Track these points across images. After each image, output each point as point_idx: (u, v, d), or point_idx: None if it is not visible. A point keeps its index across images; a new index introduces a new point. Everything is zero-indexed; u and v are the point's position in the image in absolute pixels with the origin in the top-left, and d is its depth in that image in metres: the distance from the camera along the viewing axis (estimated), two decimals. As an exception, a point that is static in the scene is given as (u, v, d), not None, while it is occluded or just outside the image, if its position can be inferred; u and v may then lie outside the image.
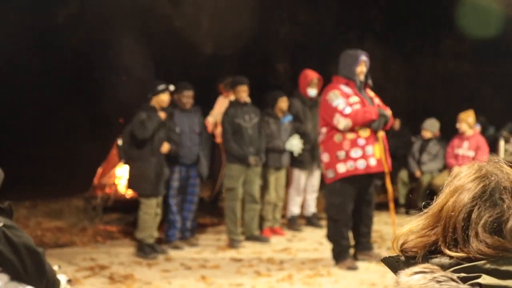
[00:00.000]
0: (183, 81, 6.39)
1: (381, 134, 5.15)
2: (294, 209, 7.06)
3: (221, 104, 7.04)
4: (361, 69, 5.25)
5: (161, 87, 5.79)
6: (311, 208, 7.25)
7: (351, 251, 5.40)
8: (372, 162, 5.09)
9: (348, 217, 5.26)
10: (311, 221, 7.21)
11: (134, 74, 7.05)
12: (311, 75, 6.87)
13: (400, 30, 14.08)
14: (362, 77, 5.27)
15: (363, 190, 5.31)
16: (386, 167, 5.15)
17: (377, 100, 5.33)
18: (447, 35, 13.00)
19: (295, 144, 6.64)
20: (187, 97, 6.13)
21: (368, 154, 5.08)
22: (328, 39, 14.12)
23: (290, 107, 6.81)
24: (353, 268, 5.21)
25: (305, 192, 7.18)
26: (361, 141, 5.11)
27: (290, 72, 14.41)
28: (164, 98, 5.79)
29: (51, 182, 9.26)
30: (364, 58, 5.27)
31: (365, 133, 5.12)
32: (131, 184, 5.94)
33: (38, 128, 10.46)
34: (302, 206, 7.31)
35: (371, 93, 5.37)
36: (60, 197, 8.68)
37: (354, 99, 5.18)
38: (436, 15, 12.64)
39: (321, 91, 6.95)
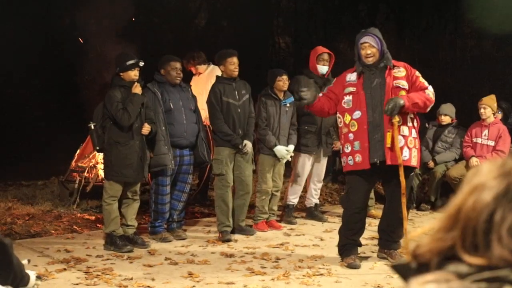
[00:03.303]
0: (190, 52, 6.35)
1: (396, 120, 5.08)
2: (292, 199, 7.06)
3: (197, 83, 7.02)
4: (365, 52, 5.19)
5: (130, 62, 5.62)
6: (314, 198, 7.24)
7: (358, 248, 5.45)
8: (357, 158, 5.19)
9: (354, 209, 5.33)
10: (313, 213, 7.21)
11: (116, 50, 7.01)
12: (320, 50, 6.87)
13: (416, 3, 14.00)
14: (370, 60, 5.20)
15: (385, 183, 5.42)
16: (400, 158, 5.09)
17: (403, 83, 5.18)
18: (467, 8, 12.92)
19: (284, 153, 6.57)
20: (176, 69, 6.06)
21: (356, 150, 5.20)
22: (335, 11, 14.03)
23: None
24: (353, 266, 5.25)
25: (309, 181, 7.17)
26: (351, 136, 5.24)
27: (292, 47, 14.36)
28: (132, 75, 5.64)
29: (24, 163, 9.23)
30: (365, 39, 5.21)
31: (353, 127, 5.21)
32: (109, 173, 5.72)
33: (10, 105, 10.40)
34: (305, 197, 7.32)
35: (399, 73, 5.21)
36: (33, 180, 8.66)
37: (348, 89, 5.28)
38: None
39: (333, 69, 6.93)
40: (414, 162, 5.24)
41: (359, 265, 5.29)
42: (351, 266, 5.25)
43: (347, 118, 5.25)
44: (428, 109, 5.28)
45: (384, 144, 5.11)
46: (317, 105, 5.42)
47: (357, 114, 5.20)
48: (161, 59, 6.13)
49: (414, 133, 5.24)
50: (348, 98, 5.27)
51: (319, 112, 5.57)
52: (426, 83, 5.22)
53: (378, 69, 5.23)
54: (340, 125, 5.41)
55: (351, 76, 5.32)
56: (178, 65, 6.10)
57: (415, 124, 5.28)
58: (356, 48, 5.30)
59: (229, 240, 6.10)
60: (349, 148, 5.23)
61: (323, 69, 6.83)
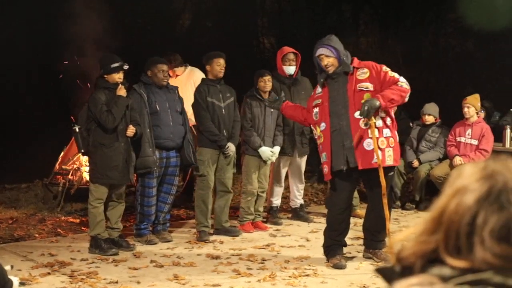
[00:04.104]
0: (164, 54, 6.39)
1: (372, 122, 5.09)
2: (275, 201, 7.06)
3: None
4: (323, 64, 5.25)
5: (115, 65, 5.61)
6: (298, 199, 7.25)
7: (343, 248, 5.48)
8: (325, 169, 5.34)
9: (337, 209, 5.38)
10: (298, 213, 7.21)
11: (99, 49, 6.97)
12: (286, 50, 6.84)
13: (399, 3, 14.06)
14: (330, 70, 5.24)
15: (365, 184, 5.49)
16: (379, 159, 5.10)
17: (367, 85, 5.17)
18: (450, 8, 13.01)
19: (269, 154, 6.57)
20: (163, 71, 6.06)
21: (323, 161, 5.35)
22: (320, 11, 14.06)
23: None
24: (338, 266, 5.28)
25: (290, 182, 7.18)
26: (320, 147, 5.40)
27: (277, 47, 14.35)
28: (116, 78, 5.63)
29: (6, 166, 9.14)
30: (319, 52, 5.26)
31: (321, 139, 5.36)
32: (95, 175, 5.68)
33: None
34: (289, 198, 7.33)
35: (363, 75, 5.22)
36: (16, 183, 8.59)
37: (315, 102, 5.42)
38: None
39: (299, 69, 6.91)
40: (390, 161, 5.22)
41: (344, 265, 5.31)
42: (336, 267, 5.28)
43: (317, 130, 5.38)
44: (407, 99, 5.21)
45: (354, 150, 5.15)
46: (287, 111, 5.76)
47: (323, 126, 5.30)
48: (148, 61, 6.11)
49: (387, 132, 5.22)
50: (315, 110, 5.37)
51: (290, 117, 5.95)
52: (396, 75, 5.18)
53: (340, 76, 5.26)
54: (315, 137, 5.55)
55: (319, 88, 5.41)
56: (165, 67, 6.10)
57: (388, 122, 5.25)
58: (315, 61, 5.34)
59: (206, 240, 6.11)
60: (321, 160, 5.40)
61: (289, 69, 6.80)
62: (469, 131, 7.62)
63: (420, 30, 13.71)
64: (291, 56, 6.79)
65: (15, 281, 2.47)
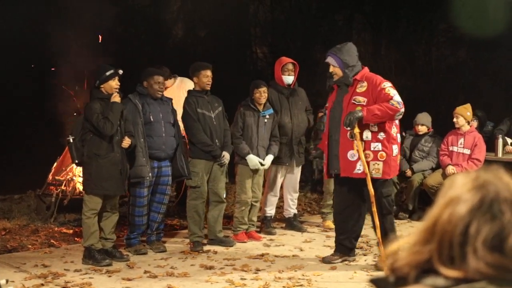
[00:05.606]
0: (151, 67, 6.42)
1: (357, 132, 5.23)
2: (269, 210, 7.06)
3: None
4: (330, 71, 5.52)
5: (109, 72, 5.65)
6: (292, 209, 7.25)
7: (342, 248, 5.74)
8: (325, 169, 5.71)
9: (337, 210, 5.76)
10: (292, 223, 7.22)
11: (91, 61, 7.00)
12: (284, 60, 6.92)
13: (392, 12, 14.13)
14: (335, 78, 5.48)
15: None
16: (366, 169, 5.21)
17: (360, 99, 5.31)
18: (442, 18, 13.07)
19: (255, 162, 6.57)
20: (159, 83, 6.07)
21: (324, 161, 5.70)
22: (312, 21, 14.10)
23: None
24: (324, 261, 5.67)
25: (284, 191, 7.18)
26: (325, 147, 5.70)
27: (270, 57, 14.39)
28: (113, 85, 5.66)
29: (-1, 177, 9.12)
30: (327, 60, 5.55)
31: (324, 141, 5.66)
32: (89, 186, 5.66)
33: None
34: (283, 207, 7.33)
35: (361, 88, 5.34)
36: (9, 194, 8.56)
37: (327, 104, 5.78)
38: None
39: (310, 78, 7.03)
40: (376, 174, 5.31)
41: (327, 262, 5.63)
42: (323, 261, 5.66)
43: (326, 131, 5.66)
44: (397, 117, 5.29)
45: (339, 158, 5.39)
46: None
47: (325, 128, 5.64)
48: (144, 72, 6.14)
49: (376, 146, 5.32)
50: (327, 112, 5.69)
51: None
52: (391, 94, 5.25)
53: (343, 86, 5.47)
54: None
55: (333, 95, 5.67)
56: (161, 79, 6.11)
57: (381, 137, 5.32)
58: (327, 65, 5.58)
59: (200, 251, 6.12)
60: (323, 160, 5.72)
61: (288, 79, 6.88)
62: (461, 140, 7.65)
63: (413, 39, 13.76)
64: (290, 66, 6.88)
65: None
